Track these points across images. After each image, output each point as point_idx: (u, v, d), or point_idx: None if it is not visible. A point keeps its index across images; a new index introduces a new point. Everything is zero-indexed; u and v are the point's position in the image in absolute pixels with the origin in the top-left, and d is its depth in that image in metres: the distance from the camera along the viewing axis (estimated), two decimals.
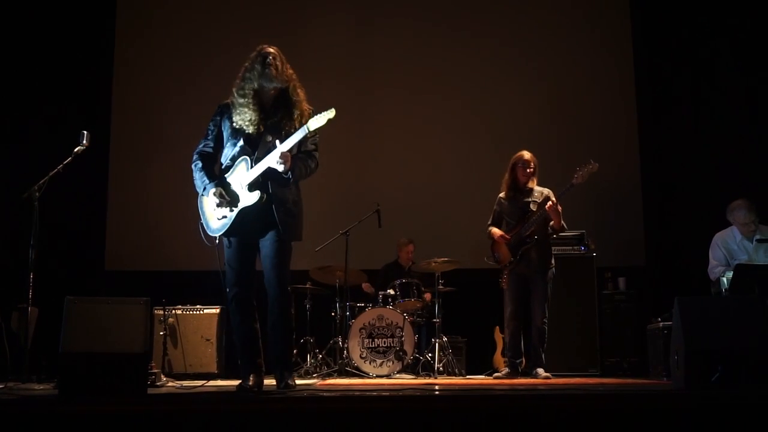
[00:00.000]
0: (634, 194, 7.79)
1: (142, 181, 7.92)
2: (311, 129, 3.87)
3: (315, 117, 3.88)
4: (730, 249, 5.67)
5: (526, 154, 5.92)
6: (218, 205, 3.99)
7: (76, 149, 5.02)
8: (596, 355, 6.69)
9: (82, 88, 7.82)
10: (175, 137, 7.90)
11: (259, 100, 4.06)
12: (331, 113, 3.86)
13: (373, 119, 8.07)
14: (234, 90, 4.08)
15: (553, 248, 6.86)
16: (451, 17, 8.18)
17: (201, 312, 6.64)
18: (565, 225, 5.77)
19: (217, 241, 4.08)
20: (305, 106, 4.12)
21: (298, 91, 4.12)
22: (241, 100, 4.02)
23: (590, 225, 7.17)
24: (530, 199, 5.88)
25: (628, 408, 3.14)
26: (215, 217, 4.05)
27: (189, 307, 6.64)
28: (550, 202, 5.64)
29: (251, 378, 3.99)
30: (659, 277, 7.40)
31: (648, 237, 7.72)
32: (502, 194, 6.04)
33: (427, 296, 6.73)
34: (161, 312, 6.44)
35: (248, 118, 4.01)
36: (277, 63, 4.06)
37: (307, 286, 6.82)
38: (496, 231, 5.95)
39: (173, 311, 6.55)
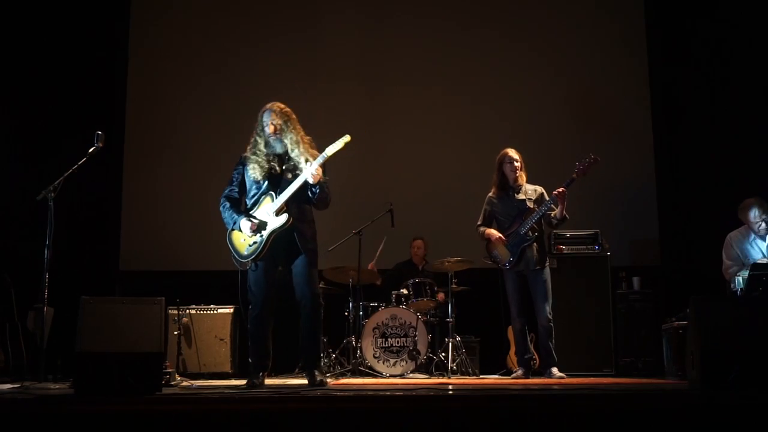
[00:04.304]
0: (648, 193, 7.74)
1: (157, 182, 7.96)
2: (329, 154, 4.39)
3: (332, 145, 4.38)
4: (743, 248, 5.64)
5: (511, 151, 5.91)
6: (251, 231, 4.44)
7: (90, 150, 5.04)
8: (611, 354, 6.67)
9: (97, 89, 7.86)
10: (189, 138, 7.95)
11: (272, 151, 4.56)
12: (346, 138, 4.36)
13: (385, 118, 8.07)
14: (249, 148, 4.61)
15: (566, 248, 6.89)
16: (463, 15, 8.15)
17: (215, 312, 6.67)
18: (567, 215, 5.74)
19: (248, 265, 4.51)
20: (313, 153, 4.56)
21: (301, 147, 4.55)
22: (256, 158, 4.54)
23: (604, 224, 7.14)
24: (524, 197, 5.86)
25: (643, 408, 3.13)
26: (246, 245, 4.50)
27: (203, 306, 6.68)
28: (560, 189, 5.61)
29: (260, 376, 4.54)
30: (674, 277, 7.36)
31: (663, 236, 7.66)
32: (491, 194, 6.01)
33: (440, 296, 6.71)
34: (175, 312, 6.47)
35: (266, 168, 4.53)
36: (282, 132, 4.51)
37: (321, 285, 6.82)
38: (492, 232, 5.89)
39: (187, 311, 6.58)
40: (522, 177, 5.92)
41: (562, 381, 5.41)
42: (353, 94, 8.12)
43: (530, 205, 5.82)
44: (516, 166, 5.86)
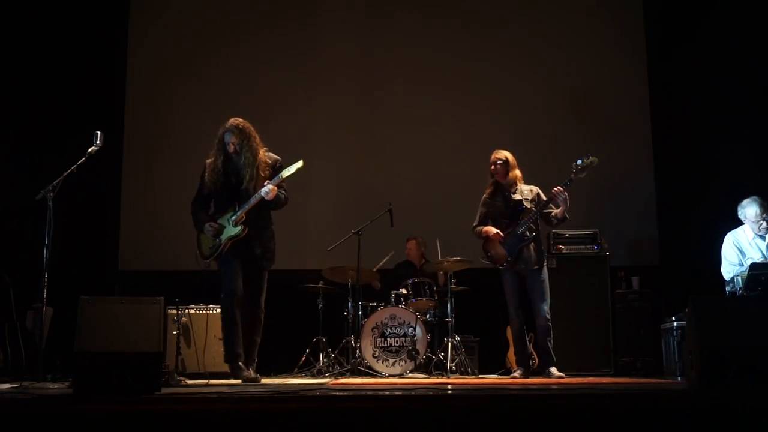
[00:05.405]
0: (647, 193, 7.75)
1: (156, 181, 7.95)
2: (284, 177, 4.87)
3: (287, 168, 4.87)
4: (742, 247, 5.64)
5: (496, 152, 5.93)
6: (212, 235, 5.04)
7: (89, 150, 5.04)
8: (610, 354, 6.67)
9: (96, 89, 7.86)
10: (188, 138, 7.93)
11: (232, 167, 5.02)
12: (299, 164, 4.83)
13: (384, 118, 8.07)
14: (208, 162, 5.08)
15: (566, 247, 6.89)
16: (463, 15, 8.16)
17: (214, 311, 6.64)
18: (567, 215, 5.74)
19: (207, 264, 5.19)
20: (269, 162, 5.08)
21: (258, 162, 4.99)
22: (213, 173, 5.03)
23: (604, 224, 7.15)
24: (521, 197, 5.85)
25: (643, 408, 3.13)
26: (208, 246, 5.15)
27: (202, 306, 6.66)
28: (558, 188, 5.60)
29: (248, 369, 4.99)
30: (673, 277, 7.36)
31: (662, 236, 7.67)
32: (486, 195, 6.00)
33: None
34: (175, 311, 6.47)
35: (223, 181, 5.05)
36: (241, 149, 4.95)
37: (320, 285, 6.83)
38: (490, 228, 5.85)
39: (186, 311, 6.57)
40: (518, 177, 5.91)
41: (561, 381, 5.41)
42: (352, 93, 8.12)
43: (527, 205, 5.81)
44: (499, 166, 5.85)
